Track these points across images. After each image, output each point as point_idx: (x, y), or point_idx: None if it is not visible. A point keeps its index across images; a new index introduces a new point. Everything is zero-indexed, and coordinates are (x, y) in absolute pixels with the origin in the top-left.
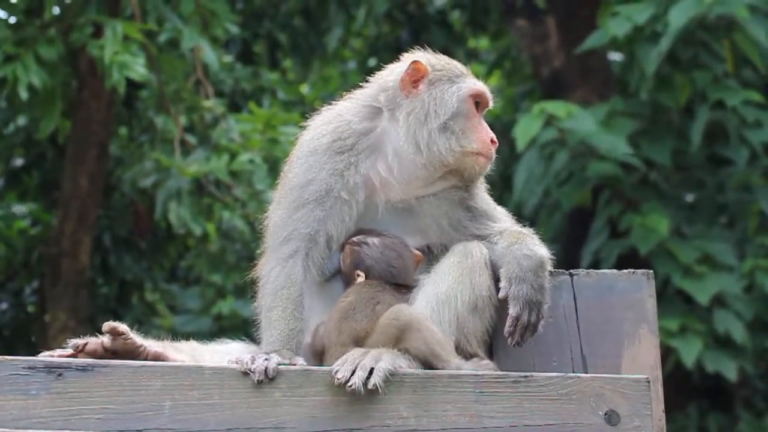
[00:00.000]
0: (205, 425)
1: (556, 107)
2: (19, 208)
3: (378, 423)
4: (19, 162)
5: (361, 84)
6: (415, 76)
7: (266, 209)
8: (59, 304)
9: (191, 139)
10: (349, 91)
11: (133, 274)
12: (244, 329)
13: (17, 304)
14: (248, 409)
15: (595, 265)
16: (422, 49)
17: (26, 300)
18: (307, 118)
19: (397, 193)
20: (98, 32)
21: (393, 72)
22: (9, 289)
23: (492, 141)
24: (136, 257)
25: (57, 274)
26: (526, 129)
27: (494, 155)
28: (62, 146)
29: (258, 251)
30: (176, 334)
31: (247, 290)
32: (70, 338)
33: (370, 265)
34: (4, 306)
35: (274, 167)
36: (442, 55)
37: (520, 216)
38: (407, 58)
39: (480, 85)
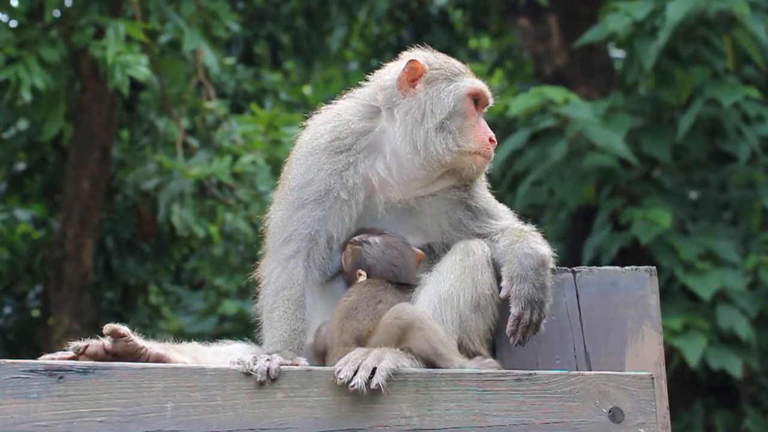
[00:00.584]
0: (208, 426)
1: (555, 92)
2: (22, 214)
3: (381, 423)
4: (21, 166)
5: (360, 83)
6: (413, 75)
7: (269, 211)
8: (63, 308)
9: (193, 141)
10: (351, 91)
11: (137, 277)
12: (247, 332)
13: (21, 308)
14: (251, 410)
15: (597, 259)
16: (422, 48)
17: (30, 304)
18: (308, 119)
19: (397, 193)
20: (100, 33)
21: (391, 71)
22: (12, 293)
23: (491, 140)
24: (139, 260)
25: (60, 277)
26: (522, 102)
27: (493, 154)
28: (64, 150)
29: (260, 253)
30: (182, 336)
31: (250, 292)
32: (73, 342)
33: (372, 264)
34: (8, 310)
35: (276, 169)
36: (441, 54)
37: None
38: (405, 57)
39: (478, 84)
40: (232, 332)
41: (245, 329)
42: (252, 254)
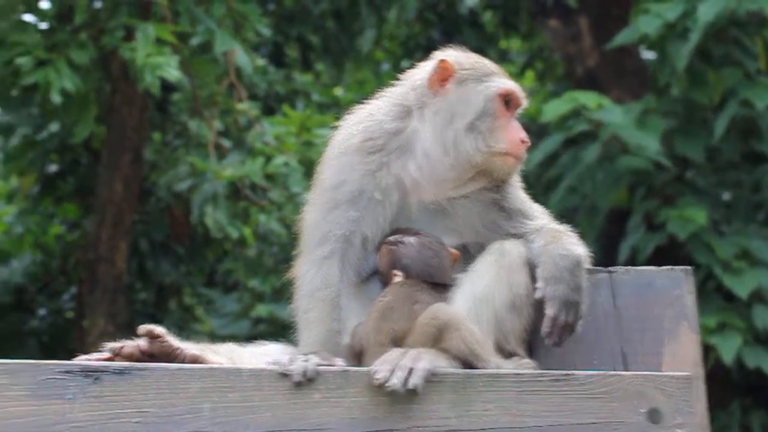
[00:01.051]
0: (245, 428)
1: (588, 98)
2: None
3: (418, 423)
4: (53, 168)
5: (393, 83)
6: (443, 75)
7: (302, 212)
8: (97, 310)
9: (226, 142)
10: (383, 91)
11: (171, 279)
12: (281, 333)
13: (55, 310)
14: (287, 411)
15: (633, 260)
16: (454, 48)
17: (64, 306)
18: (340, 119)
19: (429, 194)
20: (129, 36)
21: (422, 70)
22: (46, 295)
23: (522, 141)
24: (173, 262)
25: (94, 279)
26: (555, 108)
27: (525, 155)
28: (96, 152)
29: (294, 254)
30: (214, 338)
31: (284, 293)
32: (108, 342)
33: (407, 265)
34: (42, 312)
35: (309, 170)
36: (473, 54)
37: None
38: (437, 57)
39: (509, 84)
40: (266, 334)
41: (279, 331)
42: (286, 255)
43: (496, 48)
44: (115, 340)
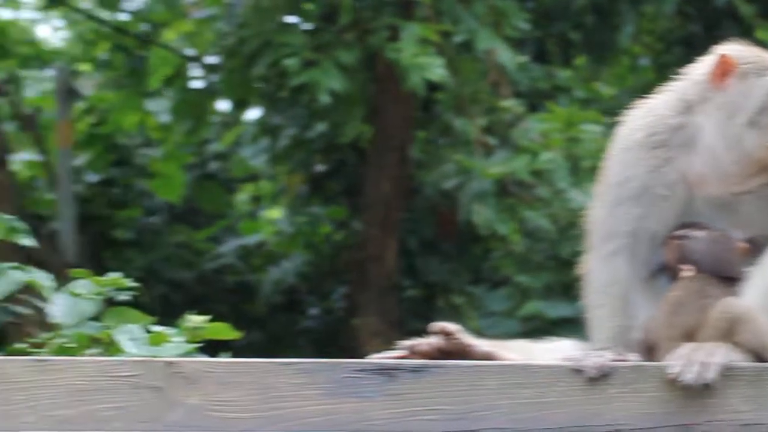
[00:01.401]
0: (541, 424)
1: None
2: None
3: (713, 417)
4: (319, 168)
5: (674, 77)
6: (724, 70)
7: (569, 208)
8: (368, 309)
9: (491, 140)
10: (665, 85)
11: (439, 277)
12: (552, 331)
13: (326, 310)
14: (582, 407)
15: None
16: (735, 42)
17: (335, 305)
18: (608, 115)
19: (713, 189)
20: (393, 35)
21: (703, 65)
22: (318, 295)
23: None
24: (441, 260)
25: (365, 278)
26: None
27: None
28: (362, 151)
29: (561, 250)
30: (484, 337)
31: (554, 290)
32: (381, 342)
33: (697, 259)
34: (314, 311)
35: (575, 166)
36: (755, 48)
37: None
38: (717, 51)
39: None
40: (538, 332)
41: (550, 329)
42: (554, 252)
43: (752, 39)
44: (388, 340)
